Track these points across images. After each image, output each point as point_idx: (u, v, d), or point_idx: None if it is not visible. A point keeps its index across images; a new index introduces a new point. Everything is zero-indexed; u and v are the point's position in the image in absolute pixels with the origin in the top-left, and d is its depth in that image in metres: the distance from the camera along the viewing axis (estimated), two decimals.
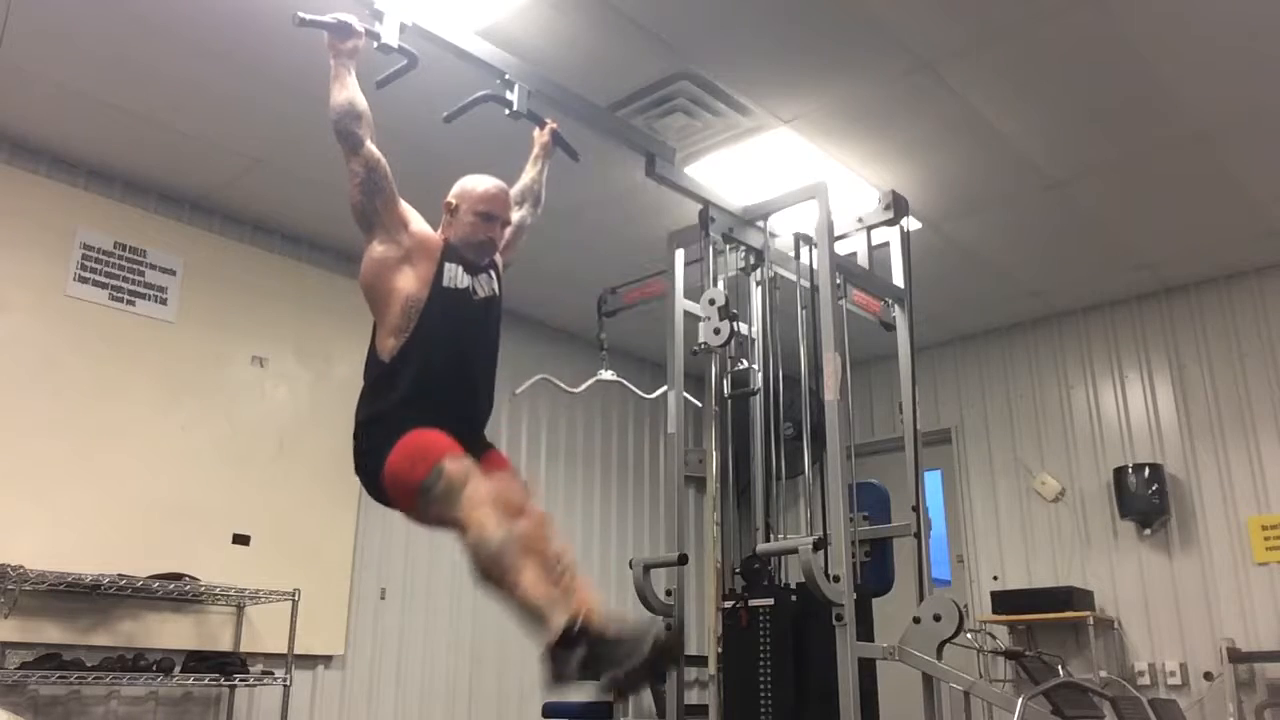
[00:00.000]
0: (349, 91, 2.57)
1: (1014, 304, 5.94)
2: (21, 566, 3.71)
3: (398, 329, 2.52)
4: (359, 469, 2.50)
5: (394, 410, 2.45)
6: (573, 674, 2.03)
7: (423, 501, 2.28)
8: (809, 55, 3.69)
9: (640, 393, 4.29)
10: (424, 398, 2.47)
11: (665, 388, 3.61)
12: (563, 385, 3.87)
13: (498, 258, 2.79)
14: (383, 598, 5.06)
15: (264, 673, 4.33)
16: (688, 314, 3.70)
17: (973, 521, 6.11)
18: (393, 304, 2.53)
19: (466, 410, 2.59)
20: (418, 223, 2.65)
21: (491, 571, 2.15)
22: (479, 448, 2.57)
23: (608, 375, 4.00)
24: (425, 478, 2.26)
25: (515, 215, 2.96)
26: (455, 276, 2.60)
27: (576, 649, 2.01)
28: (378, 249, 2.57)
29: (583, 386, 3.83)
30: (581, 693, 5.25)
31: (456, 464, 2.26)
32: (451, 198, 2.71)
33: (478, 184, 2.70)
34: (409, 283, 2.55)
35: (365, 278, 2.59)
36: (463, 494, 2.21)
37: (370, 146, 2.56)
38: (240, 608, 4.47)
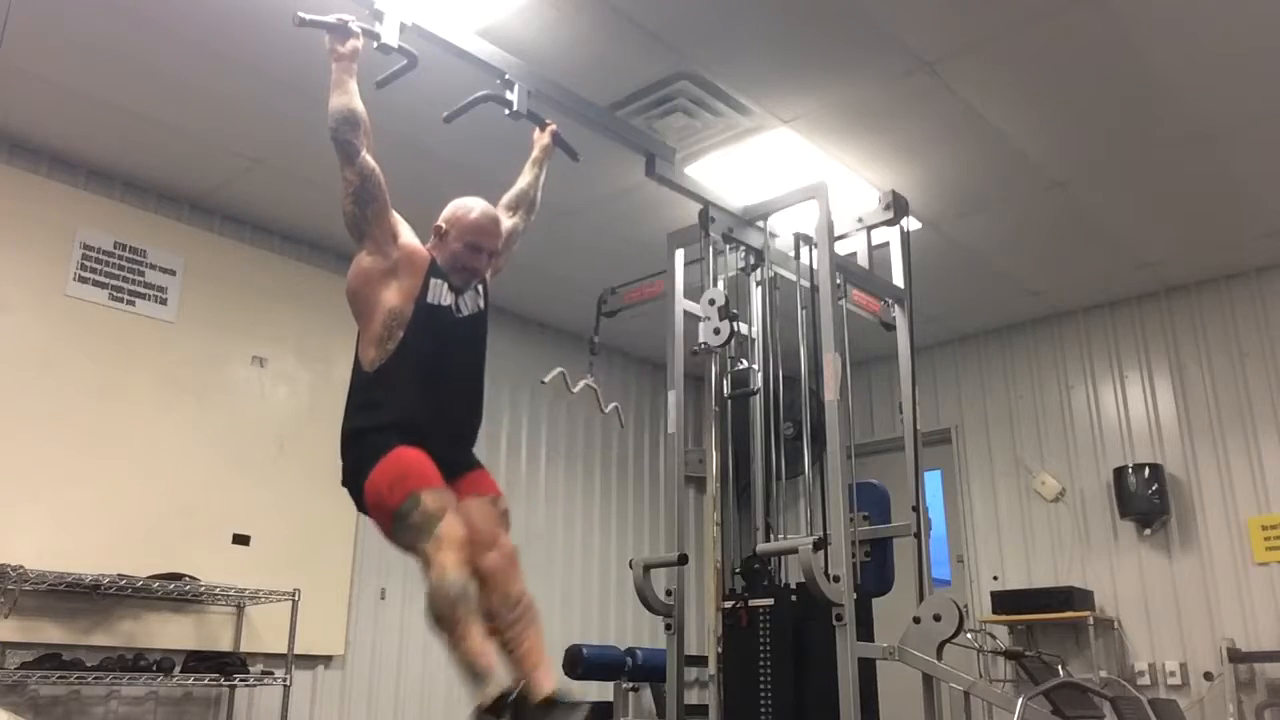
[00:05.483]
0: (348, 98, 2.56)
1: (1014, 304, 5.94)
2: (21, 566, 3.71)
3: (379, 339, 2.54)
4: (346, 483, 2.53)
5: (377, 427, 2.47)
6: None
7: (397, 527, 2.33)
8: (809, 55, 3.68)
9: (606, 410, 4.21)
10: (405, 415, 2.49)
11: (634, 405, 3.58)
12: (570, 385, 3.83)
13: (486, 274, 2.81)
14: (383, 598, 5.06)
15: (264, 673, 4.33)
16: (688, 314, 3.70)
17: (973, 521, 6.11)
18: (376, 315, 2.55)
19: (449, 427, 2.61)
20: (407, 235, 2.65)
21: (443, 619, 2.23)
22: (464, 465, 2.61)
23: (589, 380, 3.97)
24: (402, 504, 2.31)
25: (508, 223, 2.96)
26: (440, 294, 2.62)
27: (502, 717, 2.13)
28: (366, 260, 2.58)
29: (578, 387, 3.80)
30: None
31: (433, 497, 2.30)
32: (442, 221, 2.70)
33: (469, 212, 2.69)
34: (393, 296, 2.56)
35: (351, 286, 2.61)
36: (434, 531, 2.27)
37: (365, 156, 2.55)
38: (240, 608, 4.47)
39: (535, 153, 3.16)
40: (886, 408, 6.30)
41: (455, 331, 2.64)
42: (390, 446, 2.40)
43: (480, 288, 2.76)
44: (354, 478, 2.47)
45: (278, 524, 4.63)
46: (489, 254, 2.72)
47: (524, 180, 3.11)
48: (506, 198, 3.05)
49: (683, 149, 4.13)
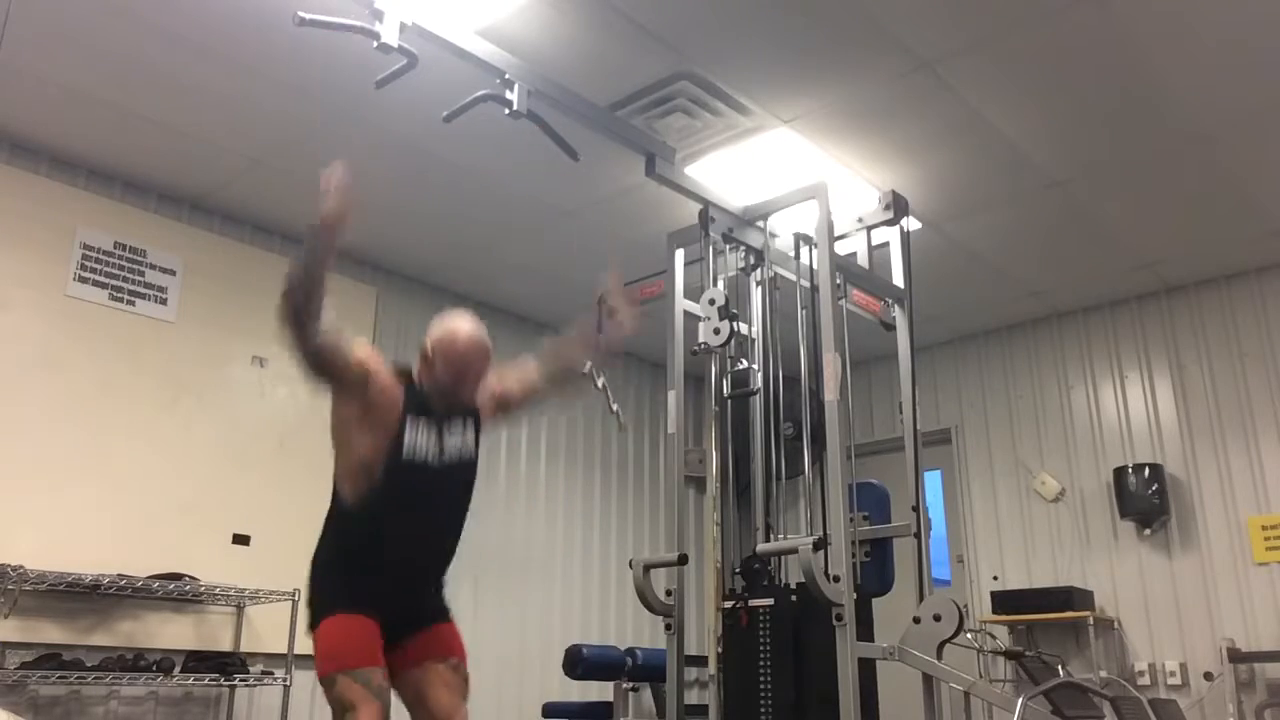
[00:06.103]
0: (321, 273, 2.37)
1: (1014, 304, 5.94)
2: (21, 566, 3.71)
3: (355, 478, 2.51)
4: (309, 606, 2.52)
5: (342, 573, 2.49)
6: None
7: (322, 686, 2.40)
8: (809, 55, 3.68)
9: (613, 406, 4.20)
10: (373, 563, 2.48)
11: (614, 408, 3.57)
12: (595, 381, 3.81)
13: (479, 405, 2.69)
14: None
15: (264, 673, 4.33)
16: (688, 314, 3.70)
17: (973, 521, 6.11)
18: (352, 457, 2.51)
19: (419, 570, 2.60)
20: (377, 367, 2.53)
21: None
22: (429, 617, 2.60)
23: (604, 379, 3.97)
24: (324, 677, 2.38)
25: (508, 386, 2.83)
26: (417, 437, 2.52)
27: None
28: (341, 409, 2.53)
29: (600, 382, 3.78)
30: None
31: (352, 688, 2.33)
32: (428, 346, 2.57)
33: (455, 337, 2.55)
34: (368, 442, 2.49)
35: (331, 425, 2.56)
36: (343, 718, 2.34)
37: (325, 337, 2.41)
38: (240, 608, 4.47)
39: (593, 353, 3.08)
40: (886, 408, 6.29)
41: (435, 476, 2.56)
42: (339, 605, 2.43)
43: (472, 420, 2.66)
44: (309, 615, 2.49)
45: (278, 524, 4.62)
46: (476, 375, 2.60)
47: (546, 371, 2.96)
48: (520, 373, 2.89)
49: (683, 149, 4.13)
